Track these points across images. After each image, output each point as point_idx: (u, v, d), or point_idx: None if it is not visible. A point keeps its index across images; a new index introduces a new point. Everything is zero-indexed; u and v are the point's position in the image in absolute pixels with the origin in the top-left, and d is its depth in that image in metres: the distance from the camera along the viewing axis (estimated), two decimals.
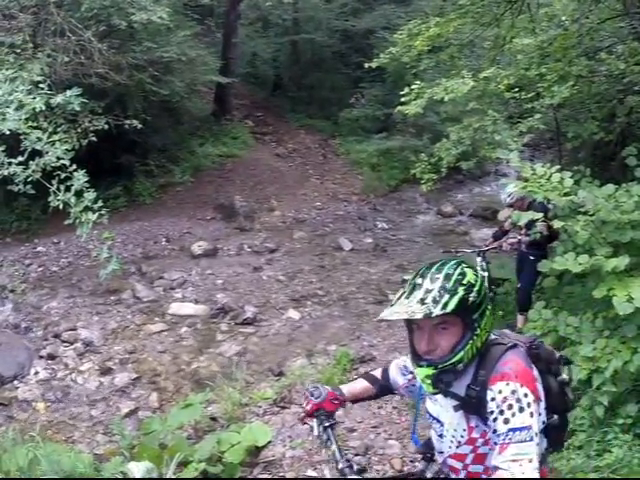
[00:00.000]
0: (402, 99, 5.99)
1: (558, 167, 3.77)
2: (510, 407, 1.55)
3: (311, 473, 4.04)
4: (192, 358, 6.22)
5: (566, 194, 3.59)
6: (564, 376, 1.83)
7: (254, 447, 4.19)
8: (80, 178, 4.54)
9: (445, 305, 1.59)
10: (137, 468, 3.70)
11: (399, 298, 1.67)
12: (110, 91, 9.33)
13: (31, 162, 4.56)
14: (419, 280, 1.67)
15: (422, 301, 1.61)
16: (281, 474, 4.08)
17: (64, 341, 6.50)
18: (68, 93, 5.11)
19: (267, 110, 16.26)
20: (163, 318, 7.17)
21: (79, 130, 6.79)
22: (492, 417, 1.59)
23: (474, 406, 1.66)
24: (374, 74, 12.62)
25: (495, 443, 1.58)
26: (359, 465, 1.98)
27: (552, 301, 4.64)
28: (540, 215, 4.22)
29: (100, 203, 4.57)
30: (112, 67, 8.60)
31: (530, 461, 1.50)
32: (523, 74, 5.88)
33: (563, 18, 6.79)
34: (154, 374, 5.92)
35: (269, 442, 4.29)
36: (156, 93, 10.26)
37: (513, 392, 1.57)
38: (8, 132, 4.55)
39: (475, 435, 1.69)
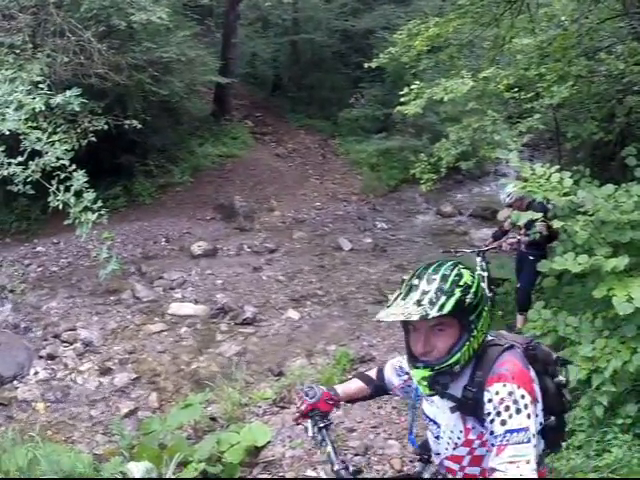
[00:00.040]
0: (401, 99, 6.00)
1: (557, 167, 3.77)
2: (507, 408, 1.55)
3: (311, 473, 4.03)
4: (192, 358, 6.22)
5: (565, 194, 3.59)
6: (561, 377, 1.82)
7: (254, 447, 4.19)
8: (80, 178, 4.55)
9: (442, 307, 1.58)
10: (137, 468, 3.70)
11: (395, 299, 1.66)
12: (110, 91, 9.33)
13: (31, 162, 4.57)
14: (415, 281, 1.66)
15: (418, 303, 1.60)
16: (281, 474, 4.08)
17: (64, 341, 6.50)
18: (68, 93, 5.12)
19: (267, 110, 16.25)
20: (163, 318, 7.17)
21: (79, 130, 6.78)
22: (489, 419, 1.58)
23: (471, 407, 1.65)
24: (374, 74, 12.63)
25: (492, 445, 1.57)
26: (355, 466, 1.97)
27: (552, 301, 4.62)
28: (539, 215, 4.22)
29: (100, 203, 4.59)
30: (112, 67, 8.60)
31: (527, 463, 1.49)
32: (522, 74, 5.88)
33: (562, 18, 6.79)
34: (154, 374, 5.92)
35: (269, 442, 4.29)
36: (156, 93, 10.27)
37: (510, 393, 1.56)
38: (8, 132, 4.57)
39: (472, 437, 1.69)
